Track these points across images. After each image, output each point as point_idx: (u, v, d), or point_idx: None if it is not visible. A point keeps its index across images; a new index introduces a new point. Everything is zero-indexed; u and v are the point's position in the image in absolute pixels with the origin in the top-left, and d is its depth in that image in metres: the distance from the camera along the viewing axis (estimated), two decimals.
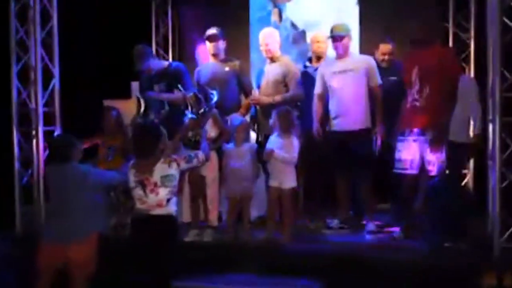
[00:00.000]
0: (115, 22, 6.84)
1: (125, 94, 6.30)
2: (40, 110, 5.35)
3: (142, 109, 5.43)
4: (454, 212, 4.52)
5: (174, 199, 3.99)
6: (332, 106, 5.24)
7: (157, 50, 7.52)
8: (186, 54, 7.29)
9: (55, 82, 5.49)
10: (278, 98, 5.34)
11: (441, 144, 4.66)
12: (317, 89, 5.34)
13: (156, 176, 3.91)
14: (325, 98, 5.29)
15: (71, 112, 5.75)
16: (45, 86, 5.44)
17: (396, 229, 4.99)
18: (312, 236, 5.24)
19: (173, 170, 3.96)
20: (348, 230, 5.27)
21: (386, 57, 5.70)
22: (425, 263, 4.39)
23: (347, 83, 5.14)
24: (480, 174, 5.70)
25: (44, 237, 4.26)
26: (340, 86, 5.16)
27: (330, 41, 5.40)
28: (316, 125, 5.28)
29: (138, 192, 3.95)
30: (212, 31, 5.58)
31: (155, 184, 3.90)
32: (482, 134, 5.17)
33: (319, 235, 5.26)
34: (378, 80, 5.14)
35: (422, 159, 4.74)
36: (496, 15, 4.38)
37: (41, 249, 4.20)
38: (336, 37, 5.20)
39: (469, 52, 6.67)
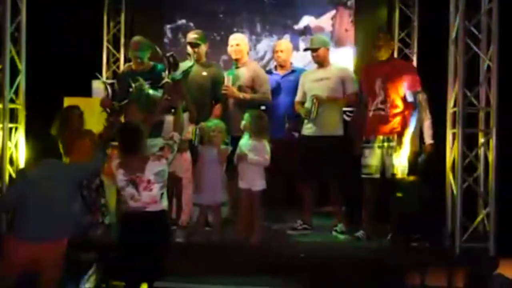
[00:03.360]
0: (67, 20, 6.75)
1: (86, 92, 6.21)
2: (7, 105, 5.19)
3: (110, 93, 5.30)
4: (416, 213, 4.93)
5: (164, 194, 4.10)
6: None
7: (108, 49, 7.48)
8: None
9: (21, 78, 5.34)
10: (247, 96, 5.55)
11: (405, 150, 5.05)
12: (298, 97, 5.62)
13: (149, 174, 4.00)
14: None
15: (32, 109, 5.61)
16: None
17: (360, 230, 5.31)
18: (280, 236, 5.46)
19: (164, 165, 4.08)
20: (311, 231, 5.55)
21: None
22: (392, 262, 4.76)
23: (322, 91, 5.42)
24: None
25: (17, 234, 4.14)
26: (315, 93, 5.41)
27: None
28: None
29: (129, 190, 4.02)
30: (194, 35, 5.57)
31: (149, 182, 4.00)
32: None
33: (285, 236, 5.49)
34: (352, 88, 5.45)
35: (384, 164, 5.12)
36: (460, 36, 4.81)
37: (11, 245, 4.06)
38: (311, 49, 5.55)
39: None
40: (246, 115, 5.14)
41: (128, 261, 4.04)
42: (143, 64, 5.28)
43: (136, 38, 5.38)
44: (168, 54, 4.92)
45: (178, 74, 4.94)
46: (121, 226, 4.20)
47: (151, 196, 4.00)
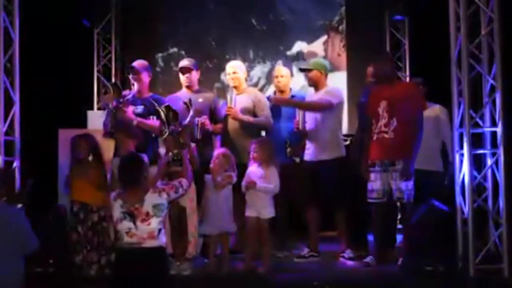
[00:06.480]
0: (57, 50, 6.63)
1: (81, 123, 6.04)
2: (2, 139, 5.02)
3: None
4: (430, 236, 4.83)
5: (163, 230, 3.93)
6: None
7: (98, 79, 7.37)
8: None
9: (16, 109, 5.17)
10: (251, 119, 5.53)
11: (411, 173, 4.97)
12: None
13: (147, 206, 3.83)
14: None
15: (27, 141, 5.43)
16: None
17: (369, 256, 5.20)
18: (288, 265, 5.33)
19: (163, 200, 3.92)
20: (318, 258, 5.43)
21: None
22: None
23: (317, 114, 5.39)
24: None
25: None
26: (311, 117, 5.40)
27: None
28: None
29: (126, 224, 3.82)
30: (185, 62, 5.58)
31: (147, 214, 3.82)
32: None
33: (293, 264, 5.37)
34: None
35: (390, 188, 5.04)
36: (464, 57, 4.80)
37: None
38: (304, 70, 5.58)
39: None
40: (253, 143, 5.05)
41: None
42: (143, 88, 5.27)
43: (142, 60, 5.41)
44: (163, 106, 4.81)
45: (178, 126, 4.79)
46: (115, 264, 4.02)
47: (149, 230, 3.80)
